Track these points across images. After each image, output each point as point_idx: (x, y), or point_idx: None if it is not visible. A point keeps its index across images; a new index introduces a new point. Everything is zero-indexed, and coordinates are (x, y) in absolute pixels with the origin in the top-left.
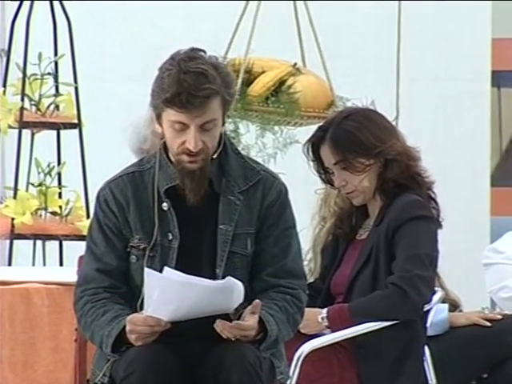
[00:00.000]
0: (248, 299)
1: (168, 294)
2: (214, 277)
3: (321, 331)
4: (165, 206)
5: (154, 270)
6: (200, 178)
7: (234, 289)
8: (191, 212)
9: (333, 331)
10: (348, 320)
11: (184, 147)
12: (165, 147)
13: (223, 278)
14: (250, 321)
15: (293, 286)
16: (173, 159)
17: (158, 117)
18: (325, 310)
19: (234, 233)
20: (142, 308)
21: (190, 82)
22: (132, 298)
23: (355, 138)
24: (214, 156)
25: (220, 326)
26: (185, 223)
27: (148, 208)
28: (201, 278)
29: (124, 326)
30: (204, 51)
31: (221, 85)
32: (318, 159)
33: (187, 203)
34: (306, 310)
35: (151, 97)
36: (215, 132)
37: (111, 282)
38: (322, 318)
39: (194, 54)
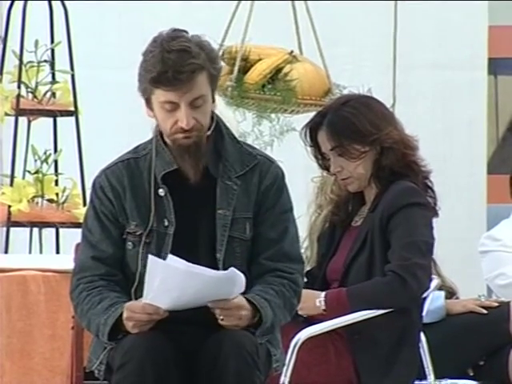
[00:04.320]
0: (246, 284)
1: (170, 282)
2: (214, 262)
3: (318, 314)
4: (161, 191)
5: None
6: (196, 154)
7: (236, 279)
8: (188, 198)
9: (328, 315)
10: (345, 305)
11: (177, 127)
12: (161, 133)
13: (223, 263)
14: (236, 299)
15: (290, 270)
16: (168, 141)
17: (148, 101)
18: (323, 294)
19: (232, 217)
20: (136, 295)
21: (174, 60)
22: (127, 284)
23: (351, 125)
24: (209, 132)
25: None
26: (182, 209)
27: (144, 194)
28: (205, 268)
29: (120, 314)
30: (186, 32)
31: (205, 60)
32: (315, 144)
33: (185, 188)
34: (305, 291)
35: (138, 82)
36: (206, 108)
37: (107, 269)
38: (320, 302)
39: (175, 34)
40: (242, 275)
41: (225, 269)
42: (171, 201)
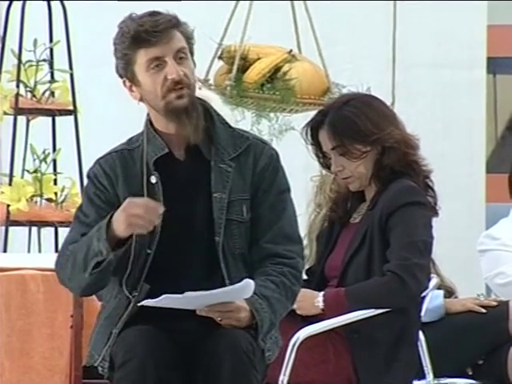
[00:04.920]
0: (248, 267)
1: (182, 300)
2: (212, 246)
3: (316, 313)
4: (153, 178)
5: (143, 244)
6: (194, 112)
7: (246, 289)
8: (182, 183)
9: (327, 315)
10: (344, 305)
11: (168, 83)
12: (150, 121)
13: (223, 245)
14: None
15: (290, 254)
16: (160, 106)
17: (132, 78)
18: (321, 294)
19: (228, 200)
20: (127, 283)
21: (147, 19)
22: (119, 270)
23: (353, 125)
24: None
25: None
26: (176, 195)
27: (137, 183)
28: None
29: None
30: None
31: (176, 19)
32: (316, 143)
33: (178, 175)
34: (303, 290)
35: (118, 59)
36: (189, 64)
37: None
38: (318, 301)
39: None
40: (253, 284)
41: (223, 252)
42: (161, 188)
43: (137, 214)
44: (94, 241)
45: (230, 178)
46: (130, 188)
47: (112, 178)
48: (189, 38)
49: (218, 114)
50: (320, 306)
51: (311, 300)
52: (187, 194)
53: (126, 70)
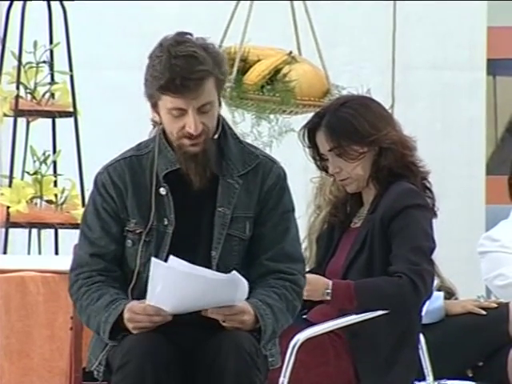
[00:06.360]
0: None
1: (172, 285)
2: (209, 260)
3: (321, 300)
4: (162, 190)
5: (149, 255)
6: (203, 161)
7: (238, 284)
8: (190, 196)
9: (332, 305)
10: (352, 298)
11: (184, 131)
12: (164, 131)
13: (218, 261)
14: (239, 303)
15: (292, 271)
16: (173, 144)
17: (155, 105)
18: (331, 283)
19: (232, 216)
20: (133, 294)
21: (182, 66)
22: (125, 281)
23: (350, 126)
24: (215, 136)
25: (210, 310)
26: (183, 207)
27: (146, 192)
28: (207, 270)
29: (121, 312)
30: (191, 34)
31: (213, 65)
32: (313, 145)
33: (187, 187)
34: (315, 277)
35: (145, 86)
36: (213, 112)
37: (105, 264)
38: (327, 290)
39: (181, 38)
40: (245, 281)
41: (218, 267)
42: (172, 200)
43: (139, 320)
44: (101, 332)
45: (235, 195)
46: (138, 199)
47: (121, 189)
48: (221, 82)
49: (230, 128)
50: (328, 293)
51: (322, 288)
52: (194, 208)
53: (149, 99)
